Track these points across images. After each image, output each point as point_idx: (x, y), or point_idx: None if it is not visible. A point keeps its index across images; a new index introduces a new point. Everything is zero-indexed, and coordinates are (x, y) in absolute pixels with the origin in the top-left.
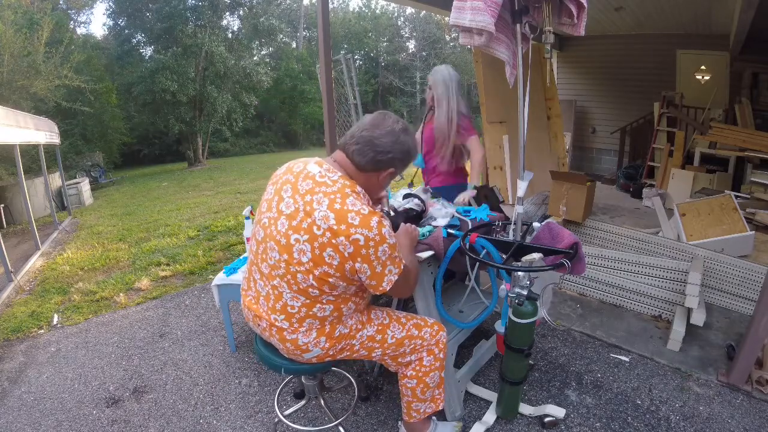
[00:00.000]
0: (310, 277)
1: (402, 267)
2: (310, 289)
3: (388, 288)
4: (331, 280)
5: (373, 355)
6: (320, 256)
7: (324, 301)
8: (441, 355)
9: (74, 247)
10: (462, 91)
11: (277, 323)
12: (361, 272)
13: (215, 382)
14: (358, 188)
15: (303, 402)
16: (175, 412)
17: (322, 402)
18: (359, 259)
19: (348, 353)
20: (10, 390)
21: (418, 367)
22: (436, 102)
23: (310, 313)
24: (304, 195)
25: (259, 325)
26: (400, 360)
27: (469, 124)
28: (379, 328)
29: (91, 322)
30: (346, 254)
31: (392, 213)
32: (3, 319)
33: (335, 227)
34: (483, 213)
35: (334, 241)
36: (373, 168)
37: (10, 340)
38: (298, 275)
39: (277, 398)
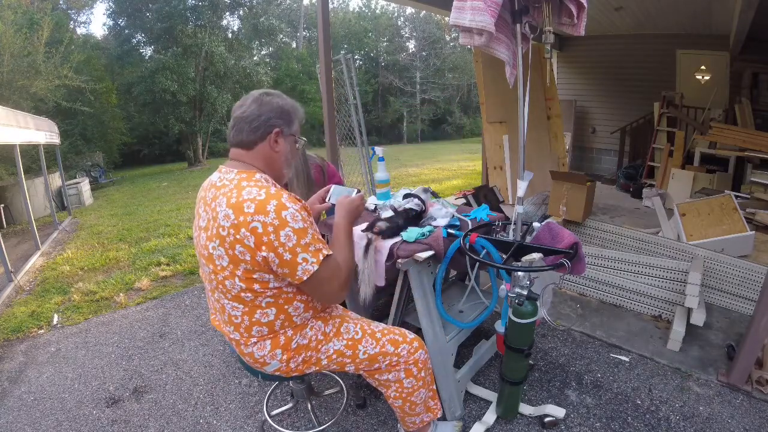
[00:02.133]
0: (236, 279)
1: (321, 258)
2: (242, 294)
3: (305, 278)
4: (255, 276)
5: (346, 369)
6: (234, 255)
7: (263, 304)
8: (422, 375)
9: (74, 247)
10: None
11: (231, 335)
12: (272, 263)
13: (215, 382)
14: (257, 175)
15: (290, 405)
16: (175, 412)
17: (309, 407)
18: (263, 248)
19: (316, 367)
20: (10, 390)
21: (399, 389)
22: None
23: (253, 320)
24: (210, 203)
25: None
26: (377, 377)
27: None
28: (349, 343)
29: (91, 322)
30: (252, 245)
31: (392, 212)
32: (3, 319)
33: (235, 222)
34: (483, 213)
35: (238, 236)
36: (257, 138)
37: (10, 340)
38: (227, 282)
39: (268, 398)
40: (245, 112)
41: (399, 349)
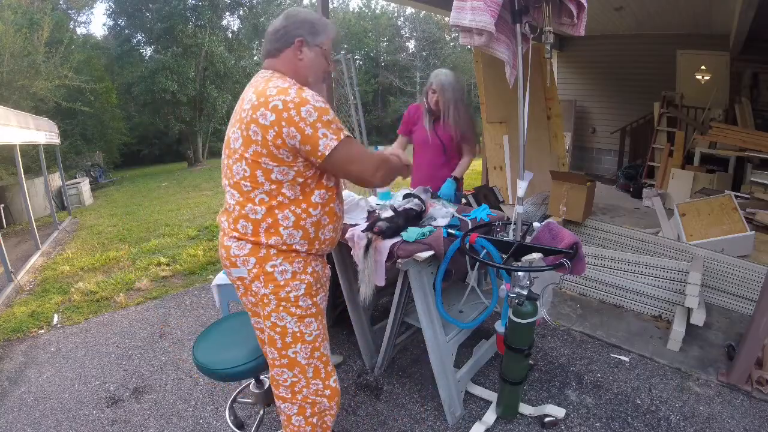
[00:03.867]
0: (243, 163)
1: (342, 136)
2: (242, 182)
3: (326, 153)
4: (261, 160)
5: (270, 357)
6: (247, 135)
7: (256, 200)
8: (314, 420)
9: (74, 247)
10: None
11: (222, 224)
12: (290, 137)
13: (215, 382)
14: (287, 77)
15: None
16: (175, 412)
17: (260, 413)
18: (283, 123)
19: (257, 317)
20: (10, 390)
21: (286, 423)
22: (443, 107)
23: (243, 212)
24: (243, 98)
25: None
26: (275, 393)
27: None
28: (295, 328)
29: (91, 322)
30: (268, 123)
31: (392, 212)
32: (3, 319)
33: (255, 102)
34: (483, 213)
35: (254, 115)
36: (281, 46)
37: (10, 340)
38: (234, 166)
39: (230, 404)
40: (273, 26)
41: (314, 381)
